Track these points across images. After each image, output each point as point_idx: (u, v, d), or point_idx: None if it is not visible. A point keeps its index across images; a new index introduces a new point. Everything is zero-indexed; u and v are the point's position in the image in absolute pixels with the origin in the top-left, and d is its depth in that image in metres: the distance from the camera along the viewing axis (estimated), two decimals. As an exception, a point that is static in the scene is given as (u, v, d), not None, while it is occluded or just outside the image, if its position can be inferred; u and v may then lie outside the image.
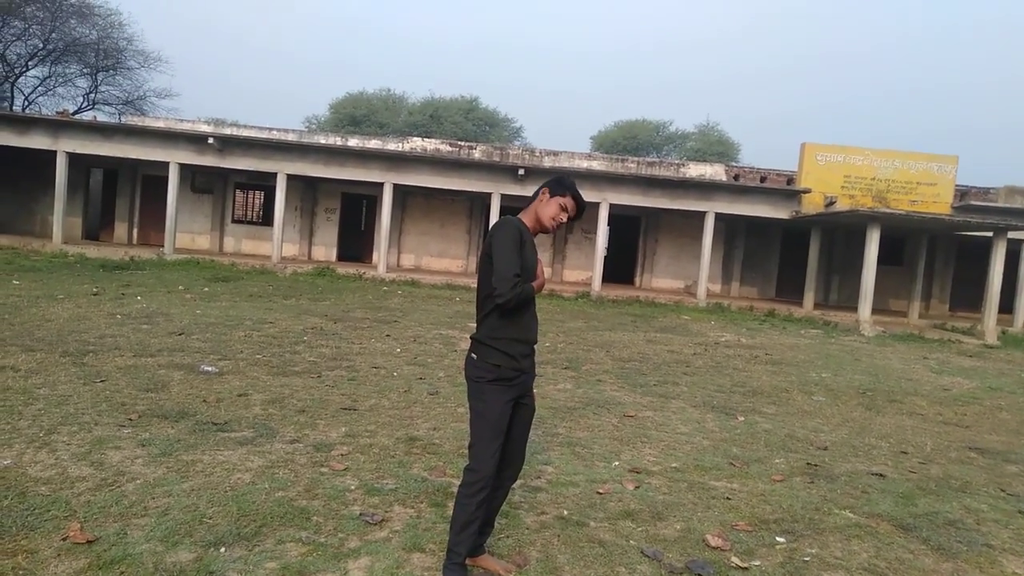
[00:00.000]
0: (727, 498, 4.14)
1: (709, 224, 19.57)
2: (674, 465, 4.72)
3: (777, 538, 3.59)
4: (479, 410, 2.81)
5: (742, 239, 23.12)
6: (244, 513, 3.33)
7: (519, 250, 2.75)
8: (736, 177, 22.48)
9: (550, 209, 2.90)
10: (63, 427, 4.37)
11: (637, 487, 4.20)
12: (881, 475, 4.84)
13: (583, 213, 2.99)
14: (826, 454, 5.32)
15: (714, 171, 22.61)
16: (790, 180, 21.56)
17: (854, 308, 18.00)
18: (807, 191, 19.58)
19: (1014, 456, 5.71)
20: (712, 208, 19.60)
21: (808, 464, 4.99)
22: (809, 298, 19.75)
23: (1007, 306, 19.14)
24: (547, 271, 22.97)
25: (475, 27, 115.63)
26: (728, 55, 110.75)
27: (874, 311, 16.89)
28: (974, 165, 44.73)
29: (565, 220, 2.95)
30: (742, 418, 6.30)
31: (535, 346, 2.92)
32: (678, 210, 20.60)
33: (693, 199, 19.73)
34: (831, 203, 19.44)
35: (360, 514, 3.45)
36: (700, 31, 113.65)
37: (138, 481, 3.62)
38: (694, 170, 22.68)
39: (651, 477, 4.43)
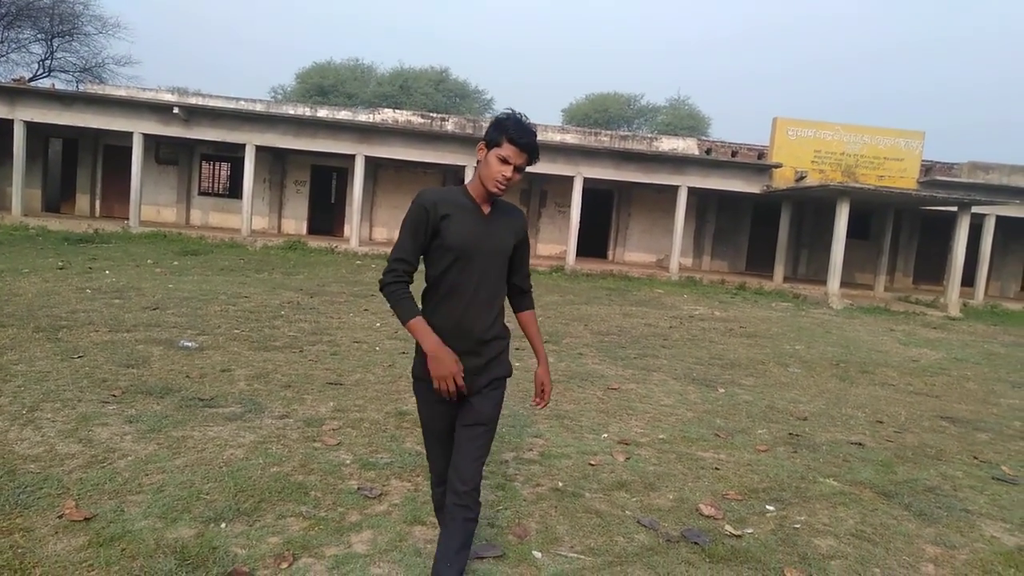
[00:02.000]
0: (715, 468, 4.22)
1: (682, 198, 19.71)
2: (661, 436, 4.80)
3: (767, 506, 3.68)
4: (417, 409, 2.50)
5: (713, 213, 23.35)
6: (241, 489, 3.31)
7: (418, 231, 2.27)
8: (708, 151, 22.63)
9: (490, 168, 2.23)
10: (46, 404, 4.28)
11: (627, 458, 4.26)
12: (860, 444, 4.98)
13: (534, 154, 2.24)
14: (806, 424, 5.45)
15: (686, 145, 22.71)
16: (761, 155, 21.77)
17: (822, 281, 18.37)
18: (778, 166, 19.81)
19: (983, 424, 5.92)
20: (685, 182, 19.72)
21: (790, 434, 5.11)
22: (779, 271, 20.08)
23: (969, 279, 19.70)
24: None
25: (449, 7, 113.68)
26: (704, 23, 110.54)
27: (841, 284, 17.24)
28: (937, 141, 45.47)
29: (513, 175, 2.24)
30: (722, 390, 6.42)
31: (475, 343, 2.28)
32: (651, 184, 20.70)
33: (666, 173, 19.83)
34: (801, 178, 19.71)
35: (358, 488, 3.45)
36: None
37: (129, 458, 3.57)
38: (667, 144, 22.76)
39: (640, 448, 4.50)
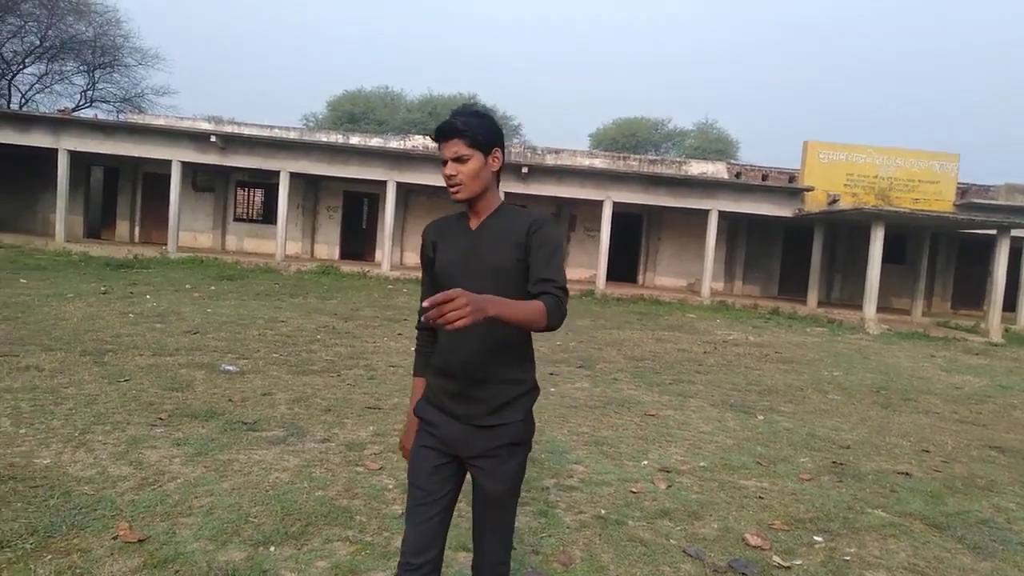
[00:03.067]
0: (759, 497, 4.16)
1: (712, 222, 19.62)
2: (702, 464, 4.74)
3: (815, 537, 3.61)
4: None
5: (744, 237, 23.18)
6: (288, 512, 3.35)
7: (425, 270, 2.08)
8: (738, 175, 22.53)
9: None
10: (96, 426, 4.38)
11: (669, 486, 4.22)
12: (907, 474, 4.87)
13: (466, 132, 1.89)
14: (850, 453, 5.35)
15: (716, 169, 22.65)
16: (792, 178, 21.62)
17: (857, 306, 18.08)
18: (810, 189, 19.64)
19: (1033, 454, 5.75)
20: (715, 206, 19.64)
21: (834, 463, 5.02)
22: (812, 296, 19.81)
23: (1010, 304, 19.24)
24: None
25: (472, 29, 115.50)
26: (729, 63, 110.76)
27: (878, 309, 16.96)
28: (971, 166, 44.78)
29: (454, 169, 1.91)
30: (761, 417, 6.33)
31: (472, 384, 1.91)
32: (680, 208, 20.63)
33: (696, 197, 19.77)
34: (834, 201, 19.51)
35: (402, 513, 3.46)
36: (699, 41, 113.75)
37: (179, 480, 3.63)
38: (696, 168, 22.72)
39: (681, 476, 4.45)
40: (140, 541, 2.94)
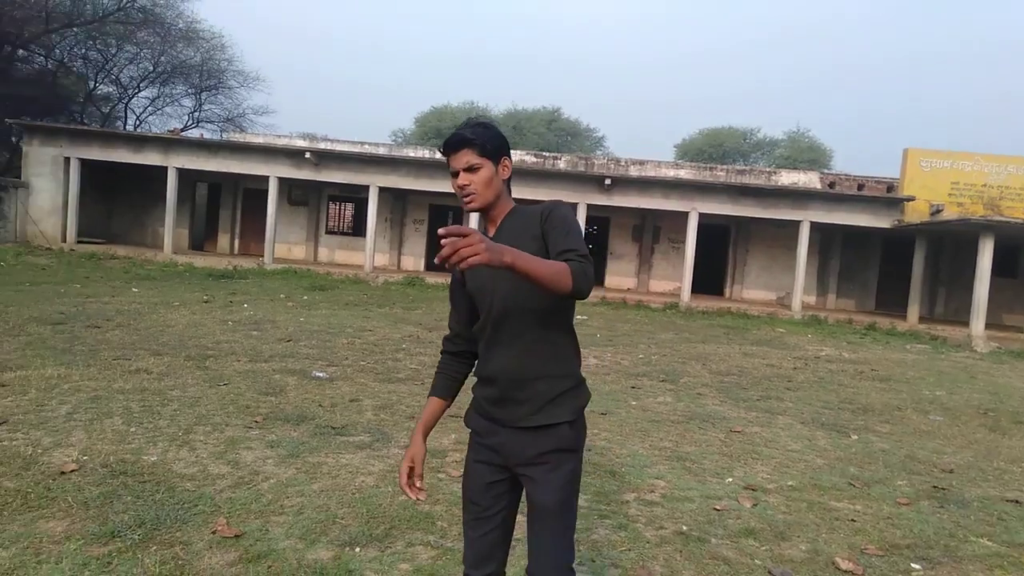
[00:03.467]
0: (851, 520, 3.98)
1: (804, 234, 18.94)
2: (790, 483, 4.58)
3: (912, 564, 3.43)
4: None
5: (838, 249, 22.24)
6: (373, 515, 3.45)
7: (452, 295, 2.17)
8: (831, 185, 21.69)
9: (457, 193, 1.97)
10: (198, 427, 4.65)
11: (755, 505, 4.10)
12: (1017, 502, 4.55)
13: (473, 141, 1.89)
14: (952, 477, 5.04)
15: (808, 179, 21.89)
16: (890, 187, 20.63)
17: (963, 322, 17.02)
18: (910, 199, 18.67)
19: None
20: (807, 217, 18.96)
21: (934, 487, 4.74)
22: (913, 311, 18.78)
23: None
24: (631, 282, 22.76)
25: (554, 39, 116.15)
26: (817, 53, 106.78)
27: (986, 325, 15.91)
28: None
29: (465, 180, 1.90)
30: (855, 436, 6.06)
31: (513, 386, 1.90)
32: (769, 219, 20.02)
33: (786, 208, 19.15)
34: (938, 211, 18.47)
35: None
36: (782, 29, 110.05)
37: (272, 480, 3.81)
38: (786, 178, 22.02)
39: (768, 495, 4.32)
40: (236, 537, 3.11)
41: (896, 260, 21.25)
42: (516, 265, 1.56)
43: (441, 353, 2.14)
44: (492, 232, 1.97)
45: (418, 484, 2.01)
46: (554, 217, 1.86)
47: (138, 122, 33.06)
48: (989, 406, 8.08)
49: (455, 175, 1.92)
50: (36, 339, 7.18)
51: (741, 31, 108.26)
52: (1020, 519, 4.21)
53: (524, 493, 1.96)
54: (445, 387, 2.10)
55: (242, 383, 6.04)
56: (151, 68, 30.76)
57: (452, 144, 1.91)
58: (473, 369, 2.06)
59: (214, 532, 3.13)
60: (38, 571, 2.71)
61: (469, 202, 1.92)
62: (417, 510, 3.57)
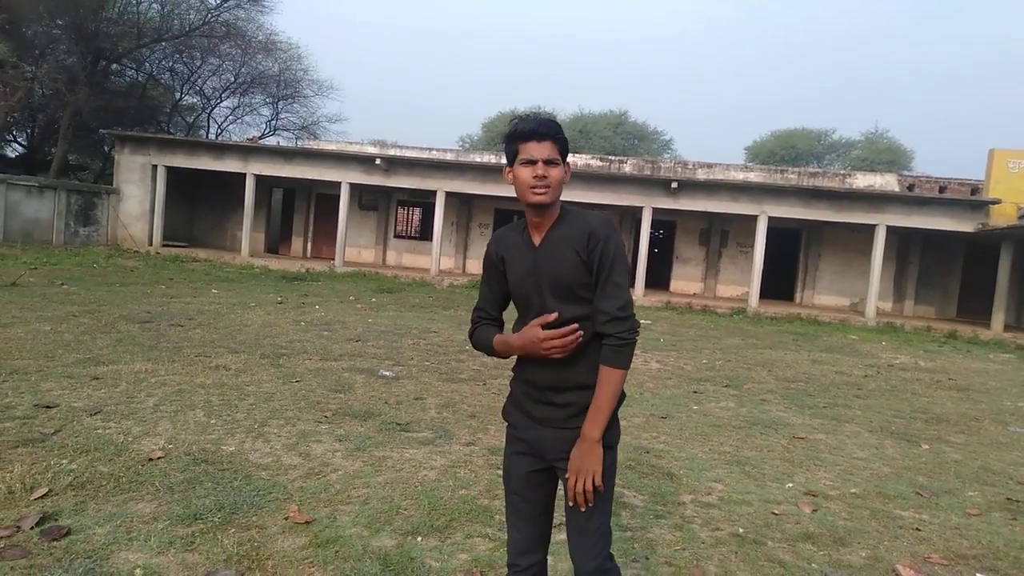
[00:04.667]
0: (916, 529, 3.91)
1: (880, 238, 18.30)
2: (853, 491, 4.51)
3: (978, 574, 3.35)
4: None
5: (917, 254, 21.37)
6: (434, 507, 3.60)
7: (488, 277, 2.15)
8: (910, 187, 20.88)
9: (521, 181, 1.95)
10: (272, 421, 4.92)
11: (815, 510, 4.06)
12: (1100, 517, 4.35)
13: (559, 137, 1.94)
14: (1029, 490, 4.85)
15: (884, 181, 21.14)
16: (974, 190, 19.70)
17: (1054, 331, 16.11)
18: (996, 202, 17.78)
19: None
20: (883, 221, 18.31)
21: (1008, 499, 4.58)
22: (998, 319, 17.87)
23: None
24: (697, 287, 22.43)
25: (621, 40, 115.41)
26: (895, 49, 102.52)
27: (1080, 335, 15.02)
28: None
29: (545, 171, 1.91)
30: (926, 446, 5.88)
31: (553, 392, 1.99)
32: (843, 223, 19.42)
33: (861, 211, 18.54)
34: (1025, 214, 17.54)
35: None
36: (860, 22, 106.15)
37: (340, 472, 4.02)
38: (861, 180, 21.33)
39: (829, 501, 4.27)
40: (307, 523, 3.30)
41: (980, 265, 20.27)
42: (600, 435, 1.90)
43: (472, 323, 2.18)
44: (538, 240, 2.00)
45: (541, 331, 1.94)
46: (606, 252, 1.90)
47: (220, 131, 34.64)
48: (1077, 419, 7.67)
49: (531, 163, 1.92)
50: (126, 336, 7.67)
51: (817, 28, 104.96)
52: (1101, 535, 4.03)
53: (563, 485, 2.02)
54: (492, 331, 2.14)
55: (313, 380, 6.32)
56: (232, 79, 32.16)
57: (540, 132, 1.92)
58: (514, 366, 2.14)
59: (286, 518, 3.33)
60: (129, 547, 2.95)
61: (542, 194, 1.92)
62: (477, 504, 3.71)
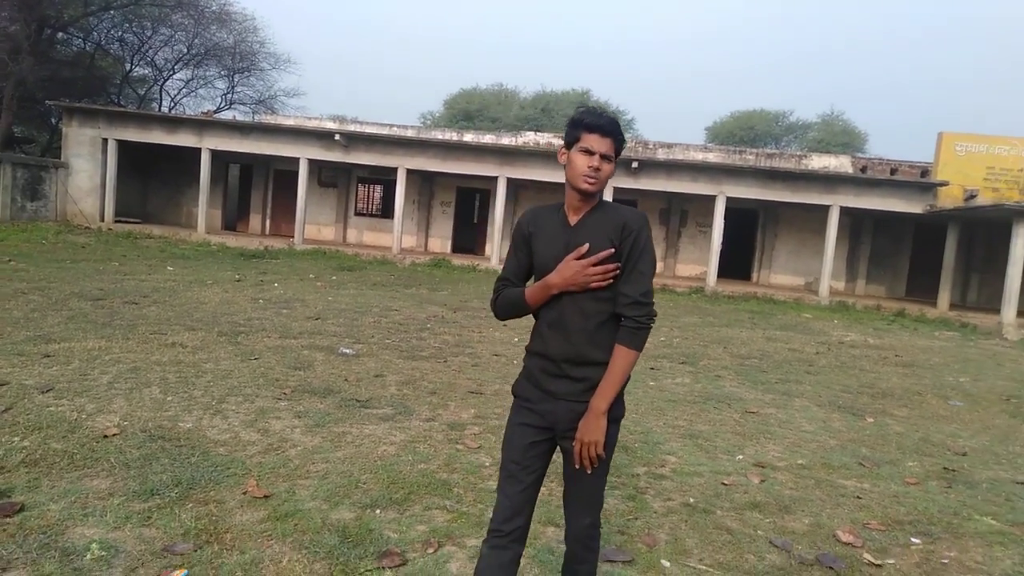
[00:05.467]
0: (857, 497, 4.09)
1: (833, 218, 18.76)
2: (800, 462, 4.69)
3: (912, 539, 3.53)
4: None
5: (869, 234, 21.96)
6: (393, 481, 3.65)
7: (517, 249, 2.24)
8: (863, 169, 21.38)
9: (575, 166, 2.09)
10: (230, 397, 4.89)
11: (763, 481, 4.22)
12: (1027, 484, 4.61)
13: (617, 136, 2.10)
14: (964, 460, 5.10)
15: (839, 163, 21.59)
16: (924, 172, 20.27)
17: (995, 309, 16.79)
18: (944, 184, 18.35)
19: None
20: (837, 202, 18.75)
21: (945, 469, 4.81)
22: (944, 298, 18.53)
23: None
24: (658, 266, 22.73)
25: (583, 22, 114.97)
26: (854, 31, 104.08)
27: (1019, 313, 15.66)
28: None
29: (600, 164, 2.07)
30: (871, 419, 6.12)
31: (571, 366, 2.10)
32: (799, 204, 19.83)
33: (816, 192, 18.95)
34: (971, 197, 18.14)
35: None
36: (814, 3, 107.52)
37: (299, 448, 4.03)
38: (817, 162, 21.75)
39: (776, 472, 4.43)
40: (265, 497, 3.32)
41: (928, 246, 20.96)
42: (607, 408, 2.05)
43: (495, 292, 2.28)
44: (574, 220, 2.15)
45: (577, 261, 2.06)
46: (638, 242, 2.08)
47: (173, 104, 33.65)
48: (1013, 393, 8.05)
49: (589, 153, 2.07)
50: (78, 314, 7.51)
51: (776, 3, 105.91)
52: (1027, 500, 4.28)
53: (563, 457, 2.18)
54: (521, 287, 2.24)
55: (272, 358, 6.29)
56: (185, 50, 31.21)
57: (607, 129, 2.07)
58: (529, 343, 2.23)
59: (245, 493, 3.35)
60: (85, 523, 2.94)
61: (593, 183, 2.08)
62: (436, 478, 3.76)
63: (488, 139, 22.79)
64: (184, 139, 20.91)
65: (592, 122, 2.07)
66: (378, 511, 3.30)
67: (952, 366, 9.84)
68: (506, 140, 22.70)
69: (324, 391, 5.30)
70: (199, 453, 3.79)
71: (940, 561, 3.30)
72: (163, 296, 9.39)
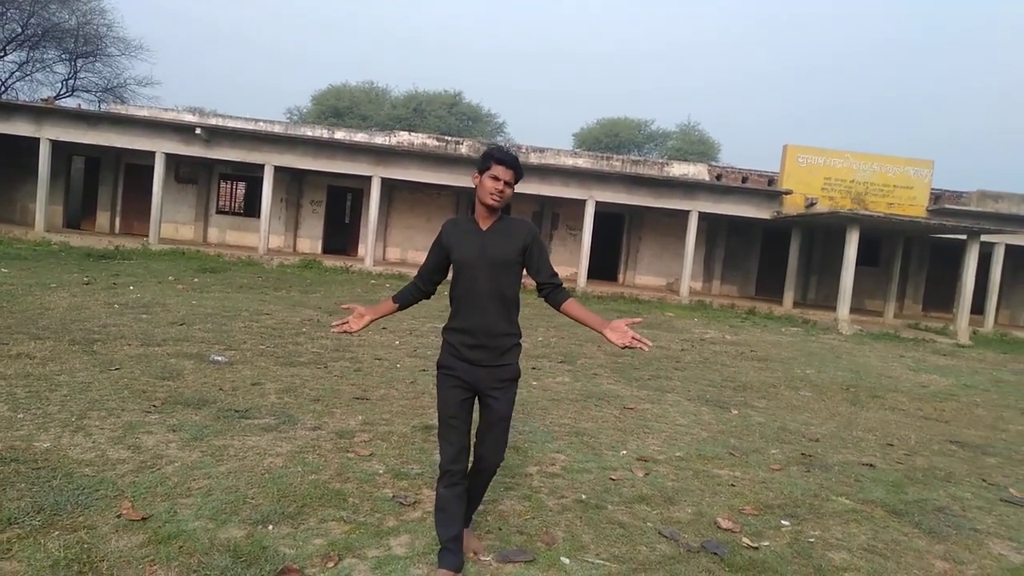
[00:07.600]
0: (731, 485, 4.38)
1: (692, 223, 19.94)
2: (678, 454, 4.96)
3: (782, 521, 3.84)
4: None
5: (724, 238, 23.54)
6: (284, 494, 3.50)
7: (435, 251, 2.92)
8: (719, 177, 22.88)
9: (484, 187, 2.79)
10: (92, 412, 4.49)
11: (647, 474, 4.43)
12: (871, 465, 5.12)
13: (519, 171, 2.83)
14: (818, 445, 5.59)
15: (697, 171, 22.98)
16: (771, 181, 22.01)
17: (832, 307, 18.50)
18: (788, 192, 20.02)
19: (992, 449, 6.04)
20: (696, 207, 19.96)
21: (802, 455, 5.26)
22: (788, 297, 20.21)
23: (978, 307, 19.76)
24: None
25: (453, 24, 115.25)
26: (711, 61, 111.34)
27: (851, 310, 17.36)
28: (946, 173, 45.78)
29: (504, 188, 2.77)
30: (736, 411, 6.57)
31: (488, 337, 2.79)
32: (661, 208, 20.93)
33: (678, 198, 20.08)
34: (812, 204, 19.90)
35: (393, 496, 3.63)
36: (675, 35, 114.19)
37: (176, 464, 3.77)
38: (678, 169, 23.03)
39: (658, 465, 4.66)
40: (143, 519, 3.08)
41: (775, 249, 22.78)
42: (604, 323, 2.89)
43: (411, 283, 3.04)
44: (485, 227, 2.86)
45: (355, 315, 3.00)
46: (538, 242, 2.91)
47: (3, 88, 30.38)
48: (850, 383, 8.91)
49: (496, 179, 2.77)
50: None
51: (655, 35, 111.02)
52: (873, 480, 4.76)
53: (481, 408, 2.88)
54: (403, 299, 3.01)
55: (135, 367, 5.84)
56: (19, 30, 28.33)
57: (510, 163, 2.80)
58: (449, 323, 2.89)
59: (119, 516, 3.09)
60: (-71, 561, 2.60)
61: (498, 200, 2.80)
62: (328, 488, 3.65)
63: (360, 137, 22.31)
64: (19, 128, 18.96)
65: (500, 157, 2.80)
66: (270, 527, 3.15)
67: (799, 359, 10.75)
68: (380, 139, 22.32)
69: (198, 402, 4.99)
70: (61, 475, 3.46)
71: (807, 540, 3.60)
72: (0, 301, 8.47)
